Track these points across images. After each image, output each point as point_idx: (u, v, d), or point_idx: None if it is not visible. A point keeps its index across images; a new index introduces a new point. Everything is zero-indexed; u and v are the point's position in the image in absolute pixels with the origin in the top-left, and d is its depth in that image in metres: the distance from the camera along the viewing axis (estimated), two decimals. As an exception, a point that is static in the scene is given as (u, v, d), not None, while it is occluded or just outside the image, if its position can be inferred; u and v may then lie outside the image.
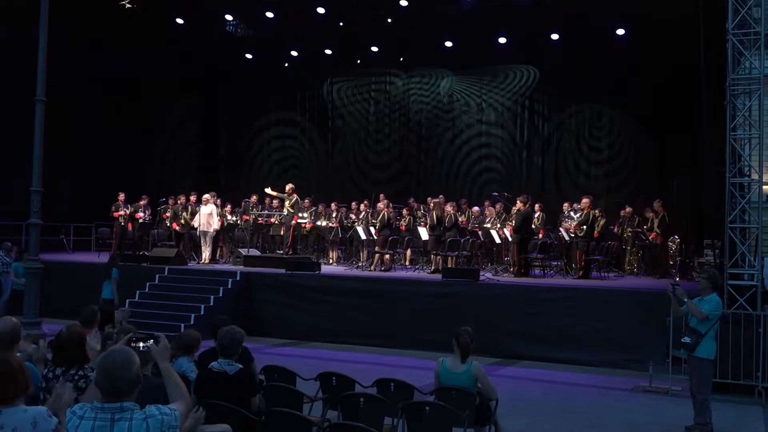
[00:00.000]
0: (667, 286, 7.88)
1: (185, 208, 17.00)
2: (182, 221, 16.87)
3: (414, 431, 5.80)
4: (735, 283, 10.14)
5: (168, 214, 17.43)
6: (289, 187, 16.86)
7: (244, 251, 16.46)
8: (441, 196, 16.38)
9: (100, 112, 18.98)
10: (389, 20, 19.50)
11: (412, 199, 17.95)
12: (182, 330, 10.98)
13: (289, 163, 23.01)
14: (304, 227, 17.21)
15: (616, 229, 16.43)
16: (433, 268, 15.35)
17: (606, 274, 15.02)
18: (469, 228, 16.33)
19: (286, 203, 16.63)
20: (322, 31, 20.31)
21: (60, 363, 4.65)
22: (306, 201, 17.25)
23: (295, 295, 13.76)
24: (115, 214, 17.15)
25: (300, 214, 16.81)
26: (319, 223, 17.30)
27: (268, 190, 17.44)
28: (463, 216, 16.64)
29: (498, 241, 15.87)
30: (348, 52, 21.42)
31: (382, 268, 15.38)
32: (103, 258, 16.74)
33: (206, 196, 16.61)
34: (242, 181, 22.83)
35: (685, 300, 7.54)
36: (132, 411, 3.13)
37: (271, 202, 17.94)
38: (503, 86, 20.53)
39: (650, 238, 15.22)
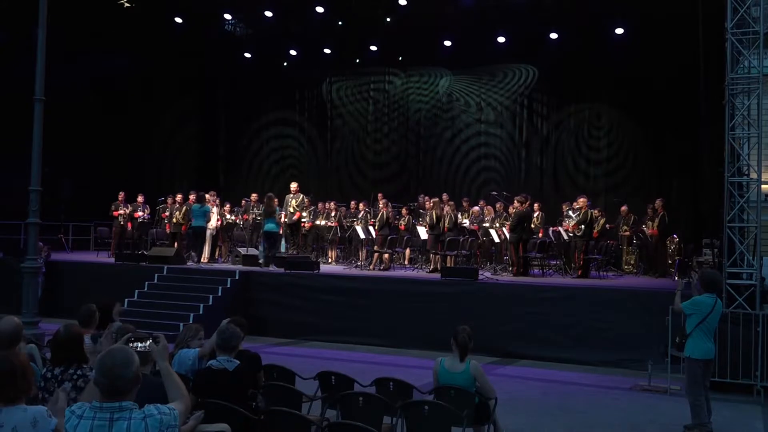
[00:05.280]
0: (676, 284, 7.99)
1: (179, 208, 16.95)
2: (174, 220, 16.85)
3: (413, 430, 5.79)
4: (734, 282, 10.15)
5: (167, 213, 17.42)
6: (294, 186, 16.88)
7: (243, 250, 16.45)
8: (435, 198, 16.21)
9: (99, 111, 18.96)
10: (388, 19, 19.50)
11: (417, 204, 17.90)
12: (180, 330, 10.97)
13: (288, 163, 23.02)
14: (303, 226, 17.22)
15: (610, 228, 16.41)
16: (432, 267, 15.34)
17: (605, 273, 15.02)
18: (468, 227, 16.33)
19: (293, 202, 16.62)
20: (321, 31, 20.33)
21: (58, 363, 4.63)
22: (305, 200, 17.25)
23: (294, 294, 13.73)
24: (115, 214, 17.15)
25: (302, 213, 16.84)
26: (318, 222, 17.31)
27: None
28: (464, 215, 16.63)
29: (497, 240, 15.87)
30: (347, 51, 21.43)
31: (381, 268, 15.37)
32: (102, 257, 16.79)
33: (206, 195, 16.58)
34: (241, 180, 22.84)
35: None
36: (131, 410, 3.13)
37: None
38: (502, 85, 20.54)
39: (649, 233, 15.19)
